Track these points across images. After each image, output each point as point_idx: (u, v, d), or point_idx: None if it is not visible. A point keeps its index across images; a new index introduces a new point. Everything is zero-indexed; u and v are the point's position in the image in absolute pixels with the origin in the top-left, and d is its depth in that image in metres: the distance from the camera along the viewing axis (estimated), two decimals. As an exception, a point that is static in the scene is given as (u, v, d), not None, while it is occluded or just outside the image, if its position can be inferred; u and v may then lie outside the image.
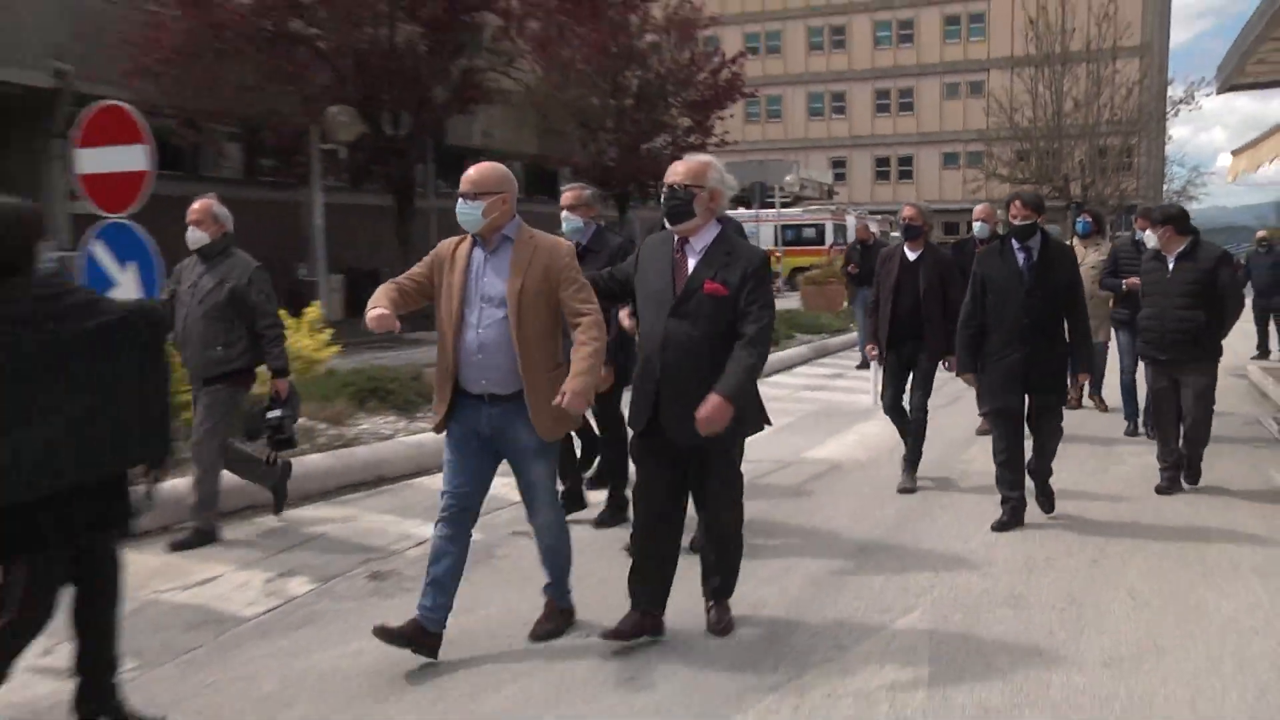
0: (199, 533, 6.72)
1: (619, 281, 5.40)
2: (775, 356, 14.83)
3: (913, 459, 8.24)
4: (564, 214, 7.31)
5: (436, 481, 8.19)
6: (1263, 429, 10.76)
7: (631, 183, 31.23)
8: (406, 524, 7.31)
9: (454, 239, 5.11)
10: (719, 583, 5.28)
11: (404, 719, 4.39)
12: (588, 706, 4.48)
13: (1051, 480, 7.37)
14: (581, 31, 27.65)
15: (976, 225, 10.30)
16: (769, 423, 5.26)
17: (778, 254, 31.25)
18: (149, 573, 5.52)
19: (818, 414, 9.04)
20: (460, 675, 4.80)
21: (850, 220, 25.02)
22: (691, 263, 4.96)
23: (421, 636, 4.87)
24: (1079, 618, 5.46)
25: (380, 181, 23.31)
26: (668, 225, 5.09)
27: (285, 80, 20.53)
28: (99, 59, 19.39)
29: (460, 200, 4.93)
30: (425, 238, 25.94)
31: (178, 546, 6.59)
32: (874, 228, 18.69)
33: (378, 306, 4.85)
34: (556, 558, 5.24)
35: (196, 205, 6.92)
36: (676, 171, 5.00)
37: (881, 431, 9.69)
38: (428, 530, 6.88)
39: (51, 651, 4.60)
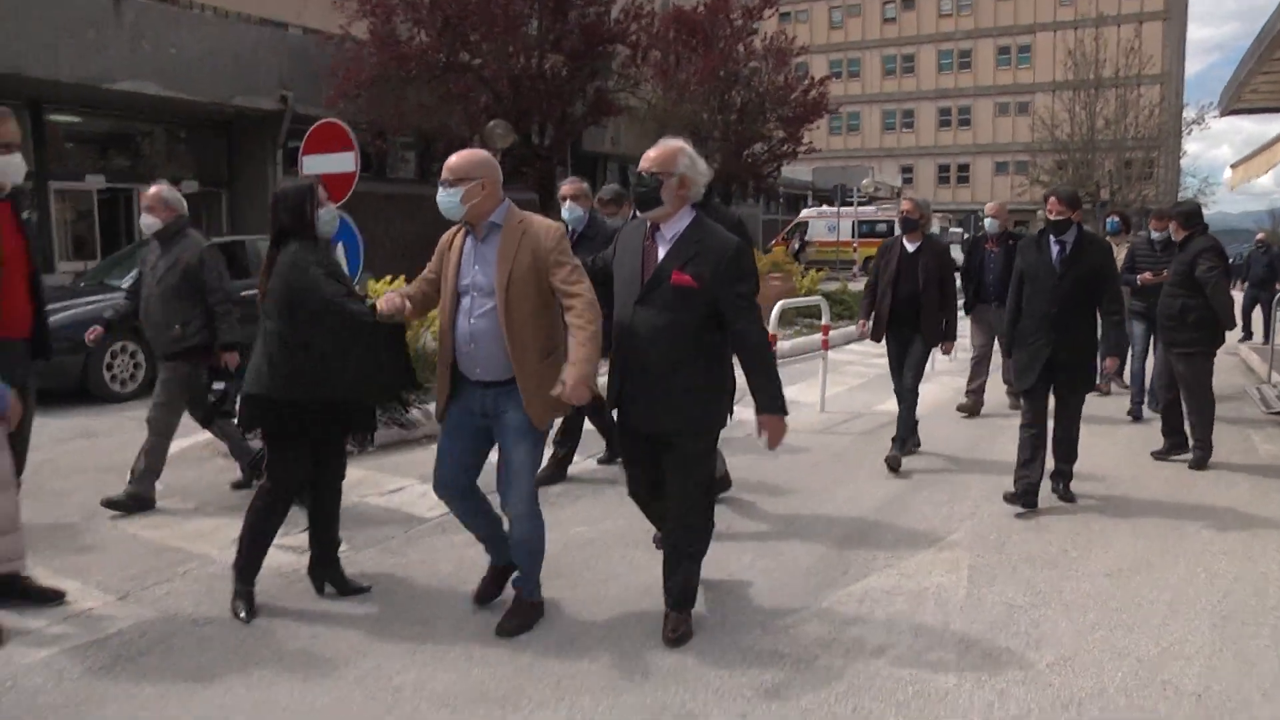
0: (135, 498, 5.98)
1: (600, 269, 4.48)
2: (850, 329, 14.73)
3: (904, 434, 7.32)
4: (566, 203, 6.63)
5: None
6: (1248, 398, 10.54)
7: (734, 183, 31.37)
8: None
9: (453, 229, 4.32)
10: (677, 591, 4.21)
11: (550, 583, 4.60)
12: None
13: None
14: (695, 59, 27.71)
15: (987, 222, 9.69)
16: (729, 414, 4.24)
17: (854, 245, 31.53)
18: (354, 482, 5.78)
19: (883, 376, 9.07)
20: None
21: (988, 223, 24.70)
22: (661, 251, 4.09)
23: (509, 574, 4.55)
24: (1089, 541, 5.58)
25: (527, 181, 23.60)
26: (638, 213, 4.23)
27: (454, 100, 20.91)
28: (312, 86, 19.99)
29: (439, 188, 4.14)
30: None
31: (110, 504, 5.91)
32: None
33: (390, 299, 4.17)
34: (528, 549, 4.31)
35: (149, 192, 6.23)
36: (647, 158, 4.09)
37: (939, 391, 9.75)
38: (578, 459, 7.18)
39: (290, 534, 5.01)
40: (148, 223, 6.20)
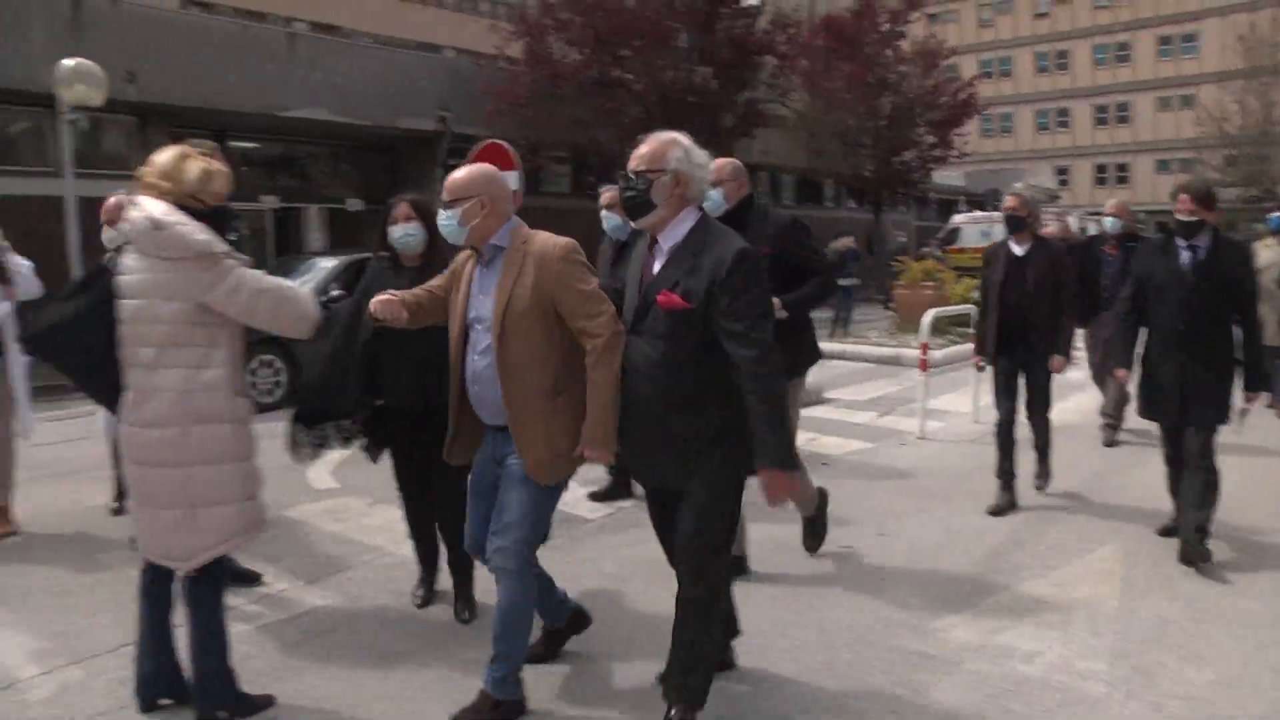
0: None
1: (619, 291, 3.67)
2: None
3: (1043, 472, 6.67)
4: (603, 212, 6.04)
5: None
6: None
7: (884, 190, 30.94)
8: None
9: (465, 253, 3.76)
10: (678, 680, 3.44)
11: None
12: None
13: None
14: (844, 67, 27.54)
15: (1108, 221, 8.56)
16: (752, 470, 3.29)
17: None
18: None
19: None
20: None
21: (1071, 220, 24.00)
22: (656, 267, 3.38)
23: (569, 629, 4.18)
24: (1257, 558, 5.45)
25: (679, 193, 24.00)
26: (630, 223, 3.65)
27: (605, 116, 21.39)
28: (468, 106, 20.78)
29: (439, 211, 3.66)
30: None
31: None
32: (1074, 225, 18.16)
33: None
34: (509, 618, 3.54)
35: (110, 203, 5.60)
36: (636, 155, 3.39)
37: (1092, 401, 9.57)
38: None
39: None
40: (109, 236, 5.55)
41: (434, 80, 21.07)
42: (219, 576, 3.63)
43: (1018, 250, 6.35)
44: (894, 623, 4.50)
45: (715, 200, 4.61)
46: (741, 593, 4.85)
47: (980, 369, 6.88)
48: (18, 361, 5.95)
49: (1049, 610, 4.66)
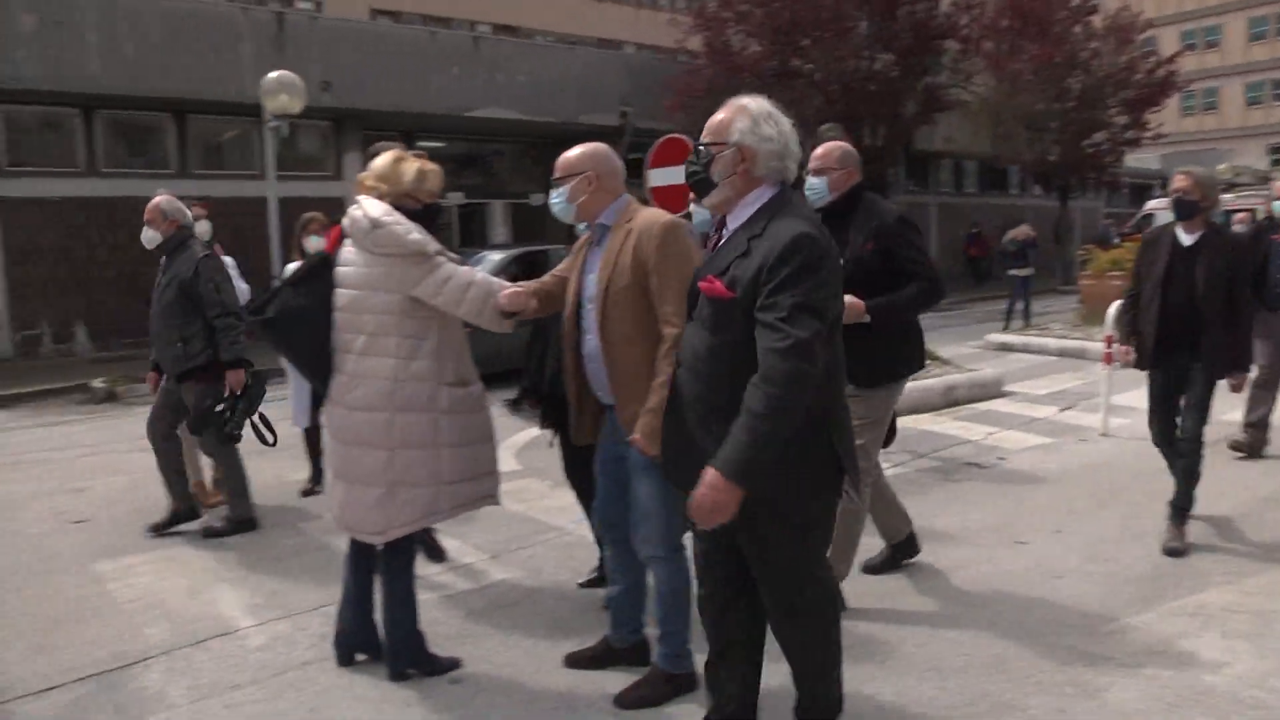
0: (235, 522, 6.03)
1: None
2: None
3: (1182, 505, 5.42)
4: (692, 206, 5.67)
5: (907, 421, 8.68)
6: None
7: (1072, 176, 29.59)
8: (884, 451, 7.66)
9: (586, 235, 3.79)
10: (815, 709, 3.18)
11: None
12: None
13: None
14: (1030, 47, 26.53)
15: (1277, 205, 7.47)
16: (853, 487, 2.95)
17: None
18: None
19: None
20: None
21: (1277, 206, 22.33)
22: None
23: (626, 655, 4.02)
24: None
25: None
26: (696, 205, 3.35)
27: (786, 107, 21.09)
28: (648, 101, 21.08)
29: (550, 190, 3.70)
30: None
31: (211, 533, 5.96)
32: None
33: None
34: (669, 601, 3.68)
35: (149, 204, 5.90)
36: (706, 126, 3.02)
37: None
38: (902, 456, 7.48)
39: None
40: (148, 236, 5.91)
41: (615, 76, 21.47)
42: (410, 550, 3.94)
43: (1186, 239, 5.36)
44: (1068, 621, 4.42)
45: (817, 189, 4.45)
46: (912, 581, 4.93)
47: (1127, 362, 5.71)
48: None
49: (1239, 619, 4.45)
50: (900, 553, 5.17)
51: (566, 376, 3.79)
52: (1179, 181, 5.40)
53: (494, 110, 19.38)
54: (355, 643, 4.10)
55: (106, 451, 8.72)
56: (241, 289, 6.69)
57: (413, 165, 3.88)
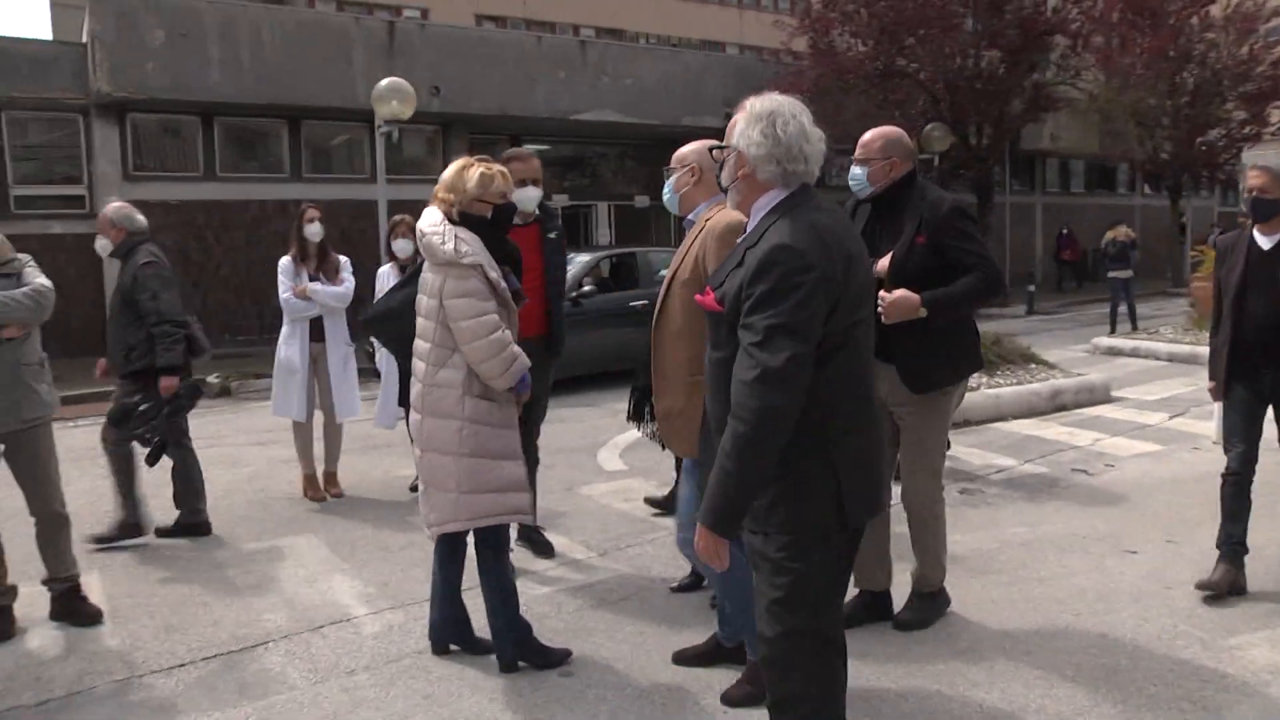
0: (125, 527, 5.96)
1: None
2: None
3: (1240, 535, 4.73)
4: None
5: (1011, 426, 8.57)
6: None
7: (1185, 174, 28.52)
8: (990, 456, 7.69)
9: None
10: None
11: (988, 578, 4.79)
12: None
13: None
14: (1142, 40, 25.66)
15: None
16: (862, 513, 2.60)
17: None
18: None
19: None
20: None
21: None
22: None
23: (730, 655, 3.99)
24: None
25: (965, 183, 23.24)
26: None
27: (892, 106, 21.12)
28: (752, 101, 21.07)
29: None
30: (1002, 229, 25.61)
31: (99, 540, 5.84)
32: None
33: None
34: (729, 597, 3.75)
35: (99, 215, 5.96)
36: None
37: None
38: (1008, 461, 7.40)
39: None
40: (100, 245, 5.94)
41: (719, 78, 21.47)
42: (496, 543, 4.02)
43: (1265, 243, 4.65)
44: (1181, 634, 4.30)
45: (859, 179, 4.29)
46: (1019, 588, 4.85)
47: (1214, 396, 5.05)
48: (336, 348, 6.98)
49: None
50: (867, 611, 4.42)
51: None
52: (1254, 178, 4.57)
53: (599, 113, 19.55)
54: (445, 635, 4.24)
55: (223, 444, 9.04)
56: (347, 287, 6.98)
57: (475, 171, 3.99)
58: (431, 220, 3.88)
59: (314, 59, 16.75)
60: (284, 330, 6.97)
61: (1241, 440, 4.73)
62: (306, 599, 4.97)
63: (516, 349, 3.87)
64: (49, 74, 15.52)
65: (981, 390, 9.48)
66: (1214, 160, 28.45)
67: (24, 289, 4.50)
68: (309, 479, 6.97)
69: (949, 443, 4.57)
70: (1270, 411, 4.78)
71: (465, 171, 3.99)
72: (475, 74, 18.09)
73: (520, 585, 4.30)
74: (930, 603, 4.46)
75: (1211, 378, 4.91)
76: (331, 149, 18.45)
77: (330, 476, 7.08)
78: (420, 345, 3.95)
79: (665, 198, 3.87)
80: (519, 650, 4.06)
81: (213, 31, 15.98)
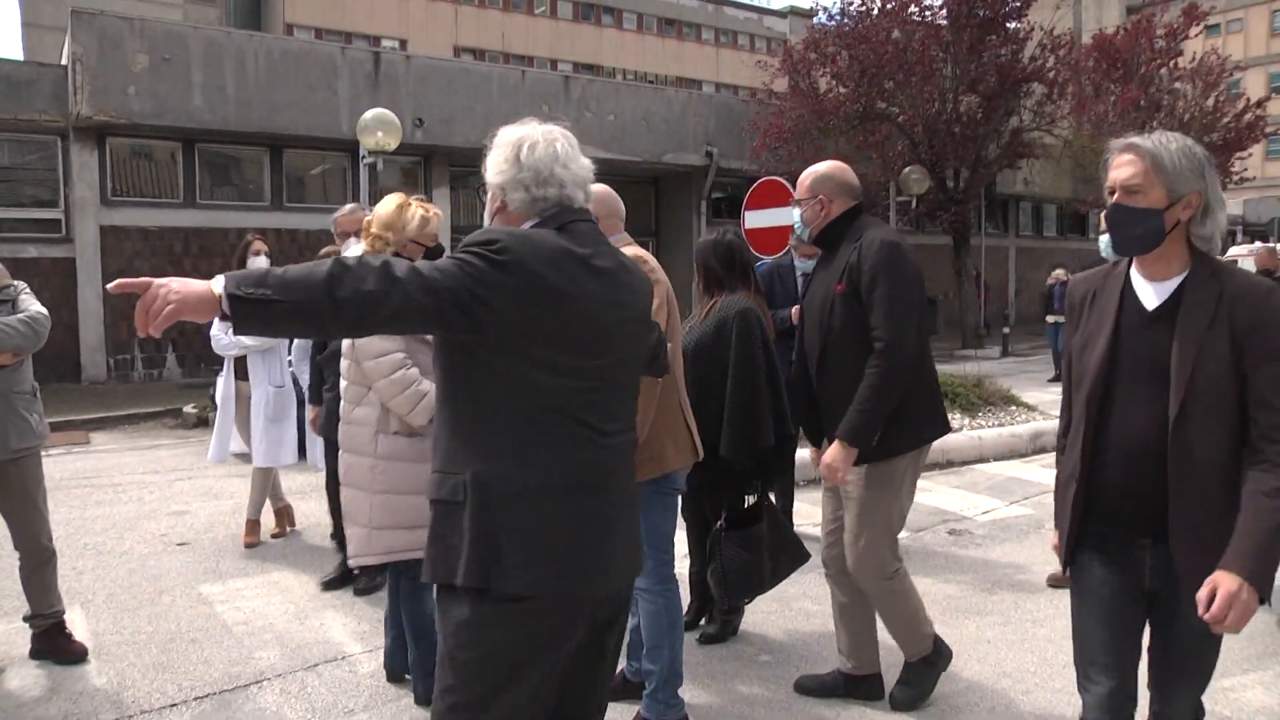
0: None
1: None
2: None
3: None
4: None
5: (994, 468, 8.63)
6: None
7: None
8: (973, 498, 7.73)
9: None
10: None
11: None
12: None
13: None
14: (1115, 89, 26.14)
15: None
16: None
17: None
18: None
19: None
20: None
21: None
22: None
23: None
24: None
25: (941, 225, 23.48)
26: None
27: (871, 149, 21.33)
28: (734, 141, 21.26)
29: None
30: (974, 269, 25.86)
31: None
32: None
33: None
34: (650, 636, 3.73)
35: None
36: None
37: None
38: (991, 503, 7.42)
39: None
40: None
41: (700, 116, 21.64)
42: (413, 578, 3.91)
43: (1149, 296, 2.77)
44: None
45: (796, 222, 3.98)
46: (1016, 633, 4.85)
47: None
48: (258, 388, 6.51)
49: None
50: (852, 686, 4.12)
51: None
52: (1120, 168, 2.55)
53: (582, 149, 19.65)
54: (397, 661, 4.27)
55: (201, 475, 8.92)
56: None
57: (415, 212, 4.03)
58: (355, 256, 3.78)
59: (298, 87, 16.72)
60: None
61: (1105, 671, 2.61)
62: (299, 636, 4.89)
63: (427, 385, 3.76)
64: (27, 95, 15.38)
65: (964, 432, 9.54)
66: (1184, 205, 28.63)
67: (19, 316, 4.43)
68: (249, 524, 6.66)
69: (902, 518, 3.92)
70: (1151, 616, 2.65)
71: (405, 211, 4.01)
72: (458, 106, 18.13)
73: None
74: (924, 670, 4.04)
75: (1057, 525, 2.75)
76: (311, 178, 18.40)
77: (250, 525, 6.60)
78: (342, 383, 4.05)
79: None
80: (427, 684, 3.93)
81: (197, 57, 15.92)
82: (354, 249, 5.13)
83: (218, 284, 1.96)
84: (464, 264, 2.14)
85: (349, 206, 5.34)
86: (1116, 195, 2.51)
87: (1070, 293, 2.76)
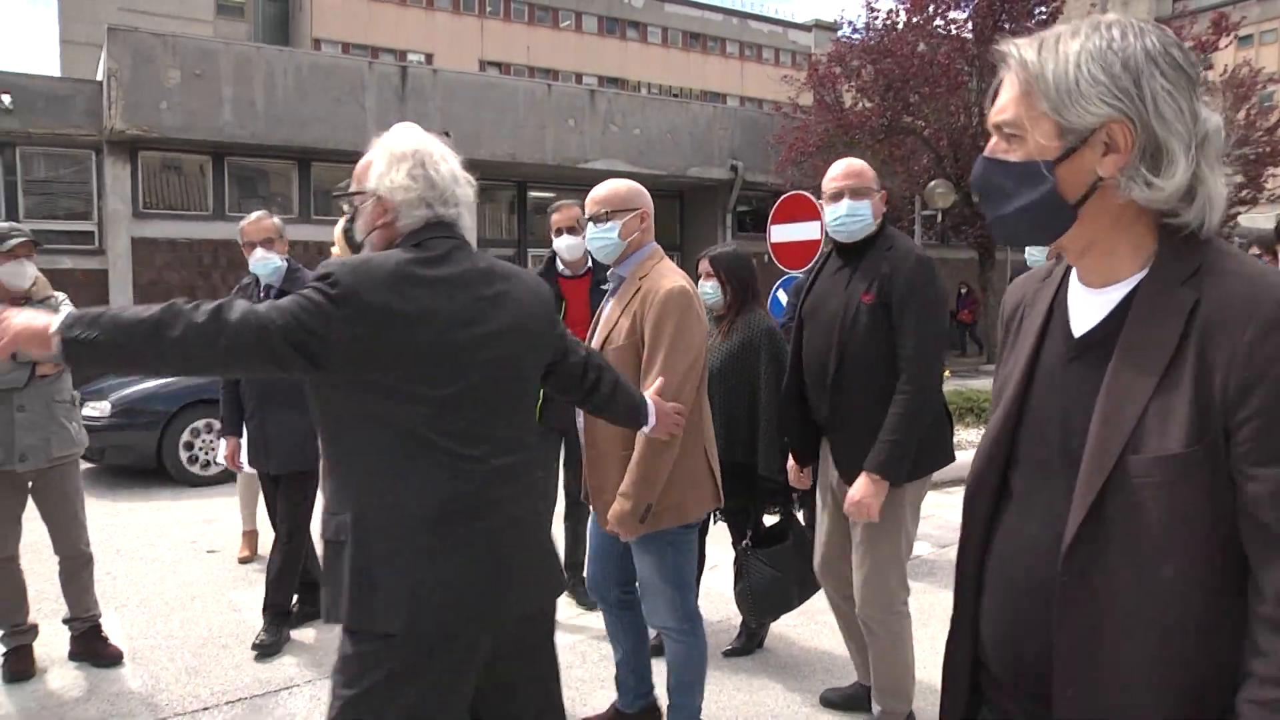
0: None
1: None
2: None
3: None
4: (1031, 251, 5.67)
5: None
6: None
7: (1184, 234, 28.65)
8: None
9: None
10: None
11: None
12: None
13: None
14: (1144, 103, 25.94)
15: None
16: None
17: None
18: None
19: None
20: None
21: None
22: None
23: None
24: None
25: (966, 239, 23.44)
26: None
27: (896, 163, 21.33)
28: (759, 155, 21.31)
29: (588, 226, 3.40)
30: (1002, 284, 25.77)
31: None
32: None
33: None
34: (680, 677, 3.54)
35: None
36: None
37: None
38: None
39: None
40: None
41: (725, 130, 21.71)
42: None
43: (1084, 314, 1.78)
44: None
45: (865, 216, 3.60)
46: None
47: None
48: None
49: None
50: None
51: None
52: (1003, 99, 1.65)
53: (608, 162, 19.75)
54: None
55: (229, 484, 9.02)
56: None
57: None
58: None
59: (326, 101, 16.92)
60: None
61: None
62: (329, 643, 4.91)
63: None
64: (63, 110, 15.65)
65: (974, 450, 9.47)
66: (1214, 221, 28.32)
67: (60, 326, 4.54)
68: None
69: (910, 545, 3.72)
70: None
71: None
72: (485, 120, 18.28)
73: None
74: None
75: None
76: (338, 190, 18.58)
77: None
78: None
79: (604, 245, 3.35)
80: None
81: (227, 72, 16.15)
82: (262, 259, 5.01)
83: (55, 322, 1.98)
84: (299, 300, 2.10)
85: (256, 214, 5.19)
86: (988, 145, 1.52)
87: (1003, 306, 1.72)
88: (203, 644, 4.94)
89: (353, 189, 2.44)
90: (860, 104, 22.13)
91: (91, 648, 4.72)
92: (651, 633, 3.90)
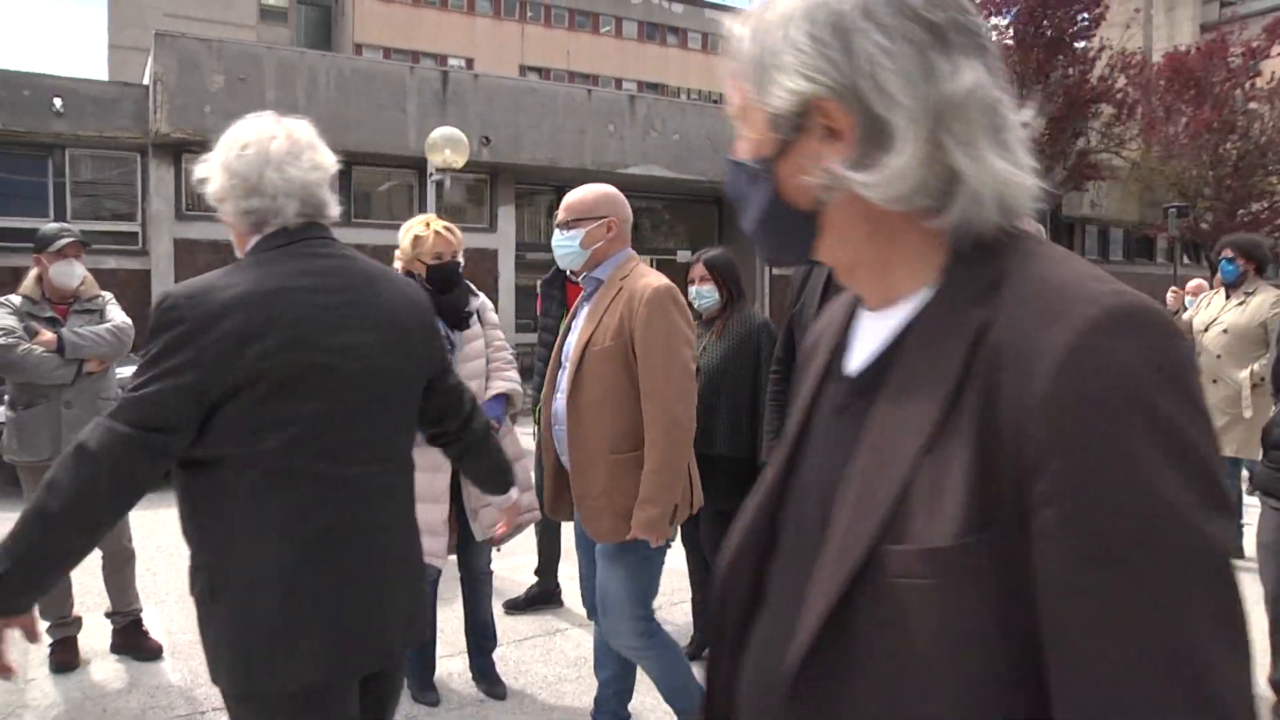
0: None
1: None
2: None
3: None
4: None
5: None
6: None
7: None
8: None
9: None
10: None
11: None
12: None
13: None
14: (1187, 110, 25.63)
15: None
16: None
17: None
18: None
19: None
20: None
21: None
22: None
23: None
24: None
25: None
26: None
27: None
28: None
29: (556, 231, 3.38)
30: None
31: None
32: None
33: None
34: (664, 690, 3.43)
35: None
36: None
37: None
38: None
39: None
40: None
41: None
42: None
43: (857, 347, 1.35)
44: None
45: None
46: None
47: None
48: None
49: None
50: None
51: (542, 440, 3.47)
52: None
53: (646, 168, 19.81)
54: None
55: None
56: None
57: (409, 232, 4.22)
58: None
59: (368, 106, 17.10)
60: None
61: None
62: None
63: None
64: (111, 113, 15.93)
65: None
66: (1256, 233, 27.68)
67: (106, 325, 4.65)
68: None
69: None
70: None
71: (405, 233, 4.22)
72: (525, 125, 18.39)
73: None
74: None
75: None
76: (379, 194, 18.79)
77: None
78: None
79: (567, 252, 3.34)
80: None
81: (270, 77, 16.37)
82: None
83: None
84: (150, 365, 1.89)
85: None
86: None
87: (807, 338, 1.31)
88: (241, 640, 5.01)
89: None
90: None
91: (133, 641, 4.81)
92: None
